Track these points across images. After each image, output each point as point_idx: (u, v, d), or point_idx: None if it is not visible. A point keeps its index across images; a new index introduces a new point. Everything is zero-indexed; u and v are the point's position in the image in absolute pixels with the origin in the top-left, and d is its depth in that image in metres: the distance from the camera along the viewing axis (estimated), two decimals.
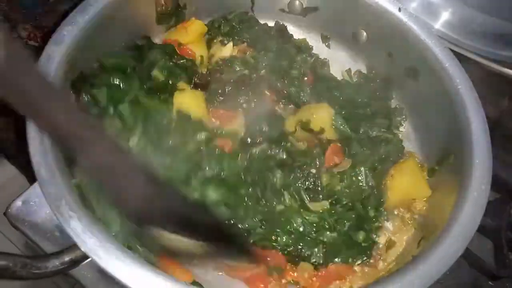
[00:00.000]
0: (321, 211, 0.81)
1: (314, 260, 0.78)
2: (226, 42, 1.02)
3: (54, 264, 0.59)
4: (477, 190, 0.74)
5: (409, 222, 0.87)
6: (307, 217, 0.80)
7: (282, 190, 0.82)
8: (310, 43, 1.09)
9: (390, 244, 0.84)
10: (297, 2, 1.07)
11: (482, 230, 0.79)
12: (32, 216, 0.84)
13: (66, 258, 0.60)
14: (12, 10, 0.51)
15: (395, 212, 0.88)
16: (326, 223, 0.80)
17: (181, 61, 0.93)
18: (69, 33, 0.78)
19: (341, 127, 0.90)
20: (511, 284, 0.91)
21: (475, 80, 0.90)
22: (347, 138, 0.90)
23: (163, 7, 0.98)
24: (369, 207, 0.84)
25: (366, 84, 1.04)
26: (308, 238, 0.79)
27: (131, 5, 0.92)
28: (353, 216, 0.82)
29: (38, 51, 0.77)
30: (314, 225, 0.80)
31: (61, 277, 0.91)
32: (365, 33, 1.04)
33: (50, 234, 0.83)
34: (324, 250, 0.78)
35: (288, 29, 1.09)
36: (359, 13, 1.01)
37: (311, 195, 0.82)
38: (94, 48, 0.84)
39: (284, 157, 0.84)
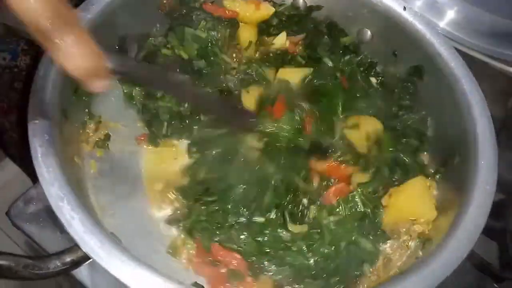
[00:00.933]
0: (296, 232, 0.79)
1: (277, 278, 0.77)
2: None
3: (55, 264, 0.59)
4: (482, 191, 0.73)
5: (406, 245, 0.83)
6: (280, 233, 0.79)
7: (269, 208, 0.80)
8: None
9: (386, 262, 0.82)
10: (300, 0, 1.06)
11: (486, 231, 0.78)
12: (33, 216, 0.84)
13: (68, 259, 0.60)
14: None
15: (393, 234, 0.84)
16: (296, 246, 0.78)
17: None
18: None
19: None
20: None
21: (480, 79, 0.89)
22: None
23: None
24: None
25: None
26: (274, 254, 0.78)
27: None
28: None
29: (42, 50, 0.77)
30: (285, 244, 0.78)
31: (64, 277, 0.91)
32: (369, 32, 1.03)
33: (51, 234, 0.84)
34: (291, 272, 0.77)
35: None
36: (364, 11, 1.00)
37: (295, 219, 0.80)
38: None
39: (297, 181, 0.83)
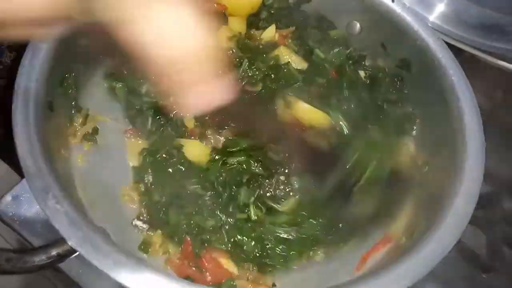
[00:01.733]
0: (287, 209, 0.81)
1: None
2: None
3: (40, 258, 0.59)
4: (469, 181, 0.73)
5: None
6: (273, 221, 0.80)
7: (245, 206, 0.80)
8: None
9: None
10: None
11: (475, 222, 0.79)
12: (22, 211, 0.83)
13: (53, 252, 0.59)
14: None
15: None
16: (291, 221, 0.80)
17: None
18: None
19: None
20: (503, 276, 0.91)
21: (468, 72, 0.89)
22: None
23: None
24: None
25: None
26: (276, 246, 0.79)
27: None
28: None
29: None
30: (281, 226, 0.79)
31: (56, 275, 0.90)
32: (358, 25, 1.03)
33: (40, 230, 0.83)
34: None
35: None
36: (352, 4, 0.99)
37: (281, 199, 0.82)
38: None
39: (257, 171, 0.83)
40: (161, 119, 0.89)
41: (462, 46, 1.06)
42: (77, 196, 0.76)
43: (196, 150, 0.84)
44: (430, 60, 0.90)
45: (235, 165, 0.81)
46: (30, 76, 0.72)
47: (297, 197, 0.83)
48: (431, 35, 0.92)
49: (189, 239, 0.76)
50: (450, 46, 0.94)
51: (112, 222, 0.75)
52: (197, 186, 0.80)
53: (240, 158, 0.82)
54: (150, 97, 0.90)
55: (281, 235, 0.79)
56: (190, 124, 0.89)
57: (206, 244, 0.77)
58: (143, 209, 0.82)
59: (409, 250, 0.67)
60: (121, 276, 0.57)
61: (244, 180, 0.80)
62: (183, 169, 0.82)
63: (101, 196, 0.80)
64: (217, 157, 0.84)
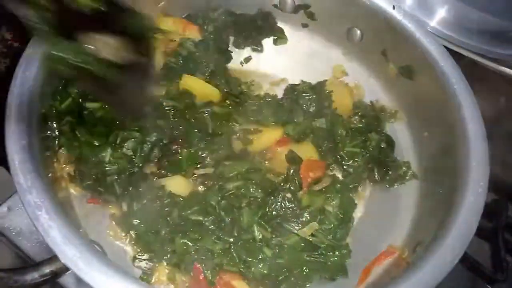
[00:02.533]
0: (312, 233, 0.77)
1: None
2: None
3: (33, 276, 0.57)
4: (473, 193, 0.72)
5: None
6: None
7: (249, 226, 0.77)
8: (303, 41, 1.07)
9: None
10: (288, 0, 1.04)
11: (479, 232, 0.77)
12: (18, 222, 0.82)
13: (46, 270, 0.58)
14: None
15: None
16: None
17: None
18: None
19: None
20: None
21: (471, 78, 0.88)
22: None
23: None
24: None
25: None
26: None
27: None
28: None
29: (22, 52, 0.75)
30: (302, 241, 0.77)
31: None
32: (359, 31, 1.02)
33: (36, 241, 0.81)
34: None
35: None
36: (353, 10, 0.98)
37: (293, 221, 0.78)
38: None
39: (257, 195, 0.79)
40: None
41: (463, 51, 1.04)
42: (72, 211, 0.75)
43: (178, 184, 0.81)
44: (432, 68, 0.89)
45: (233, 191, 0.79)
46: (24, 88, 0.71)
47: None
48: (433, 43, 0.91)
49: (199, 266, 0.73)
50: (451, 52, 0.93)
51: (106, 238, 0.75)
52: (197, 214, 0.77)
53: (237, 183, 0.80)
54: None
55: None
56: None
57: (218, 268, 0.74)
58: (137, 250, 0.77)
59: (414, 264, 0.65)
60: None
61: (244, 204, 0.78)
62: (175, 201, 0.78)
63: (97, 209, 0.79)
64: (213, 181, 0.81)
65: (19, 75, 0.72)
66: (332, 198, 0.80)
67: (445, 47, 0.94)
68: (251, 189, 0.78)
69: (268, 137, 0.89)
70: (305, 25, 1.08)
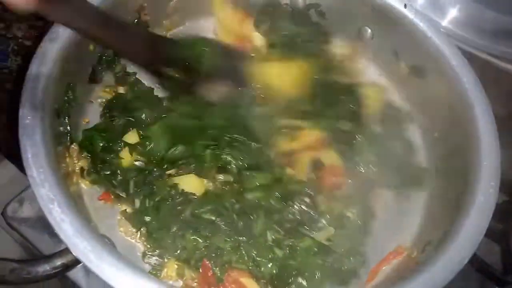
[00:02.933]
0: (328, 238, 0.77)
1: None
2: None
3: (44, 268, 0.58)
4: (484, 194, 0.71)
5: None
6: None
7: (262, 232, 0.76)
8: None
9: None
10: None
11: (489, 233, 0.76)
12: (29, 216, 0.83)
13: (58, 263, 0.59)
14: (6, 10, 0.50)
15: None
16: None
17: None
18: (64, 30, 0.77)
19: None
20: None
21: (483, 79, 0.87)
22: None
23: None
24: None
25: None
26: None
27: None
28: None
29: (33, 50, 0.76)
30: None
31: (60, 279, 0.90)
32: (369, 30, 1.01)
33: (47, 235, 0.82)
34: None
35: None
36: (364, 9, 0.98)
37: (310, 225, 0.78)
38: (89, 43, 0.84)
39: (276, 205, 0.78)
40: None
41: (475, 51, 1.03)
42: (84, 205, 0.75)
43: (192, 183, 0.79)
44: (444, 67, 0.88)
45: (251, 200, 0.78)
46: (38, 83, 0.72)
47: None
48: (445, 42, 0.90)
49: (208, 262, 0.73)
50: (464, 53, 0.92)
51: (117, 233, 0.75)
52: (210, 213, 0.76)
53: (257, 194, 0.78)
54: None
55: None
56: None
57: (227, 265, 0.74)
58: (148, 246, 0.76)
59: (423, 264, 0.65)
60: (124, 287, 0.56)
61: (260, 213, 0.77)
62: (189, 199, 0.77)
63: (106, 206, 0.80)
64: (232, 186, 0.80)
65: (33, 71, 0.72)
66: (353, 205, 0.80)
67: (457, 46, 0.93)
68: (271, 201, 0.78)
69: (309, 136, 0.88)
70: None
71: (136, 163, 0.80)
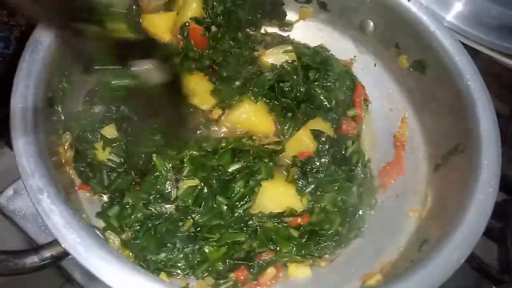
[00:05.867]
0: None
1: None
2: None
3: (33, 260, 0.57)
4: (484, 192, 0.70)
5: None
6: None
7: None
8: (314, 32, 1.05)
9: None
10: None
11: (487, 232, 0.75)
12: (23, 205, 0.82)
13: (46, 254, 0.58)
14: None
15: None
16: None
17: None
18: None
19: None
20: None
21: (486, 75, 0.85)
22: None
23: None
24: None
25: None
26: None
27: None
28: None
29: None
30: None
31: (60, 274, 0.89)
32: (372, 23, 1.00)
33: (42, 224, 0.81)
34: None
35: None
36: (366, 2, 0.96)
37: None
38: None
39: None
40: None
41: (479, 47, 1.01)
42: (75, 196, 0.74)
43: None
44: (446, 62, 0.86)
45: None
46: (31, 71, 0.71)
47: None
48: (449, 37, 0.88)
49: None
50: (466, 47, 0.90)
51: None
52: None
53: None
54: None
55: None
56: None
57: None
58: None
59: (417, 264, 0.64)
60: (113, 281, 0.55)
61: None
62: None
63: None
64: None
65: (26, 58, 0.71)
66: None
67: (462, 42, 0.91)
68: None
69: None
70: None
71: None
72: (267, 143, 0.86)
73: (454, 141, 0.84)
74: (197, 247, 0.73)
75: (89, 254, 0.56)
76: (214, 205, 0.75)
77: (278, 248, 0.76)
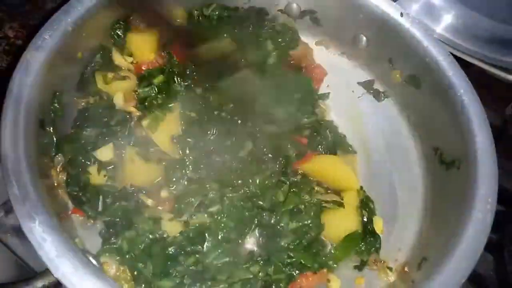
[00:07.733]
0: None
1: None
2: None
3: None
4: (482, 210, 0.70)
5: None
6: None
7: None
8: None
9: None
10: (294, 5, 1.02)
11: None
12: (16, 226, 0.79)
13: (39, 285, 0.56)
14: None
15: None
16: None
17: None
18: (50, 38, 0.74)
19: None
20: None
21: (478, 86, 0.86)
22: None
23: None
24: None
25: None
26: None
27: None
28: None
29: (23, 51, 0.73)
30: None
31: None
32: (365, 38, 0.99)
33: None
34: None
35: None
36: (359, 17, 0.96)
37: None
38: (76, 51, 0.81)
39: None
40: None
41: (470, 59, 1.02)
42: (69, 221, 0.72)
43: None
44: (440, 78, 0.86)
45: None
46: (22, 92, 0.68)
47: None
48: (442, 52, 0.88)
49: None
50: (458, 59, 0.91)
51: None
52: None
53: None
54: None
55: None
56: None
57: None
58: None
59: (418, 284, 0.63)
60: None
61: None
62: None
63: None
64: None
65: (16, 80, 0.69)
66: None
67: (452, 54, 0.91)
68: None
69: None
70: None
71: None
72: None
73: (450, 157, 0.84)
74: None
75: (83, 283, 0.54)
76: None
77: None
